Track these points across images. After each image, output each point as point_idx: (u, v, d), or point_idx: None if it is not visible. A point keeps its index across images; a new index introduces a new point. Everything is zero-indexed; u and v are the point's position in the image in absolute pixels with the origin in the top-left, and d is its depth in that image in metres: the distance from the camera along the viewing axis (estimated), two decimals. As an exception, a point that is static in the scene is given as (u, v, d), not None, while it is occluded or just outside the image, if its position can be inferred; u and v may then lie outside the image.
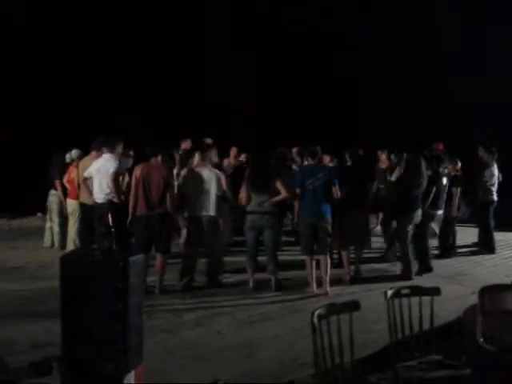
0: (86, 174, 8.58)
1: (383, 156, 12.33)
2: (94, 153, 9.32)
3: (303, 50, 19.66)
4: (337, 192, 7.99)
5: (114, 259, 4.20)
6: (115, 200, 8.18)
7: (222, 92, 19.38)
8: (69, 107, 17.25)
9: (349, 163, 9.21)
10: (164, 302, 7.57)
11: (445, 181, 9.46)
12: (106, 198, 8.29)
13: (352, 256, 8.82)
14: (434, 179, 9.24)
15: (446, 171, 9.71)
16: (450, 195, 9.96)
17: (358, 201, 8.55)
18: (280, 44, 19.40)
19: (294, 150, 11.31)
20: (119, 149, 8.60)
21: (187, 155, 9.40)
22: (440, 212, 9.56)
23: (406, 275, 8.78)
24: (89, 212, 9.12)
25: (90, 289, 4.07)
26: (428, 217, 9.28)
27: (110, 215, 5.18)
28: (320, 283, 8.04)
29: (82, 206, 9.64)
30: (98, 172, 8.34)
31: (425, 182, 8.96)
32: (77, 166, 9.95)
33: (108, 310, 4.05)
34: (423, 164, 8.94)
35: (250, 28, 19.28)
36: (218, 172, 8.36)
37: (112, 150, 8.45)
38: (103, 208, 8.14)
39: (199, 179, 8.08)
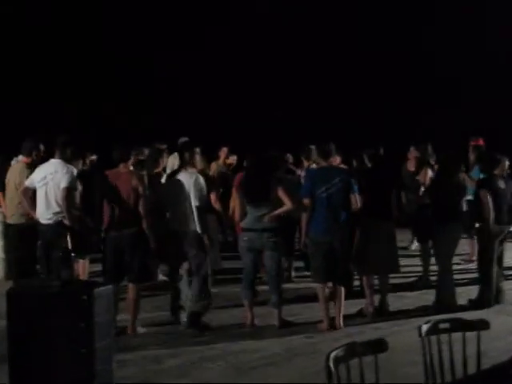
0: (27, 183, 8.36)
1: (414, 154, 12.34)
2: (24, 158, 9.19)
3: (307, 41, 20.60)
4: (357, 201, 7.97)
5: (76, 292, 4.21)
6: (65, 222, 8.09)
7: (208, 83, 20.06)
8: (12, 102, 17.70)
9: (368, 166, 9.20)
10: (139, 344, 7.55)
11: (502, 185, 9.17)
12: (54, 219, 8.13)
13: (376, 283, 8.82)
14: (487, 184, 9.14)
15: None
16: None
17: (381, 213, 8.54)
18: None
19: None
20: (70, 153, 8.42)
21: (155, 156, 9.39)
22: (506, 227, 9.20)
23: (442, 306, 8.76)
24: (21, 233, 8.98)
25: (45, 329, 4.06)
26: (490, 233, 9.02)
27: (68, 238, 5.20)
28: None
29: (10, 226, 9.37)
30: (45, 184, 8.14)
31: (463, 187, 8.95)
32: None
33: (69, 355, 4.06)
34: (460, 164, 8.92)
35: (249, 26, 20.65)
36: (199, 177, 8.25)
37: (62, 155, 8.28)
38: (51, 230, 8.08)
39: (176, 187, 8.08)
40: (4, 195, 10.34)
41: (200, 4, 20.88)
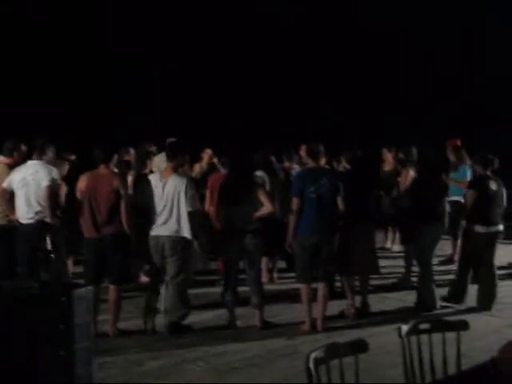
0: (5, 185, 8.36)
1: (389, 156, 12.47)
2: (3, 159, 9.15)
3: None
4: (342, 203, 8.05)
5: (55, 293, 4.17)
6: (47, 220, 8.09)
7: (193, 84, 20.28)
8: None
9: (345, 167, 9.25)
10: (119, 346, 7.52)
11: (494, 186, 9.11)
12: (36, 218, 8.17)
13: (357, 284, 8.83)
14: (477, 185, 9.15)
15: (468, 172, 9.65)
16: None
17: (361, 214, 8.57)
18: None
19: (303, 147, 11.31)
20: (50, 154, 8.44)
21: (143, 157, 9.32)
22: (495, 228, 9.15)
23: (423, 307, 8.80)
24: (2, 234, 8.90)
25: (23, 331, 4.03)
26: (476, 235, 9.04)
27: (48, 238, 5.18)
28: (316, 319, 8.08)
29: None
30: (25, 184, 8.18)
31: (444, 187, 8.95)
32: None
33: (47, 358, 4.02)
34: (439, 163, 8.93)
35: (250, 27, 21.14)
36: (190, 181, 8.11)
37: (40, 156, 8.30)
38: (32, 229, 8.09)
39: (156, 188, 7.95)
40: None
41: (200, 4, 21.03)
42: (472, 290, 9.72)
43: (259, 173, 9.62)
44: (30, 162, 8.34)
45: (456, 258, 11.45)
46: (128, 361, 7.06)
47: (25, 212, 8.19)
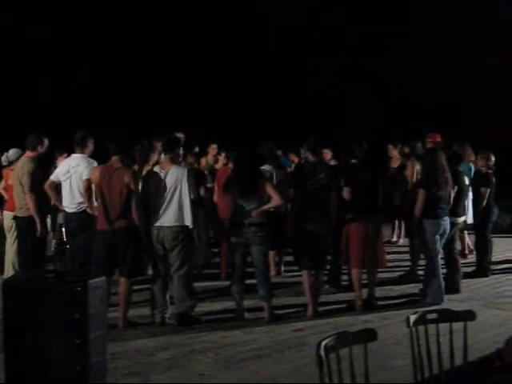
0: (52, 178, 8.89)
1: (394, 152, 12.51)
2: (28, 152, 9.31)
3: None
4: (335, 197, 8.48)
5: (70, 283, 4.24)
6: (89, 211, 8.53)
7: (199, 81, 20.48)
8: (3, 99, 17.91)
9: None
10: (129, 337, 7.60)
11: (467, 181, 9.55)
12: (78, 208, 8.72)
13: (365, 277, 8.89)
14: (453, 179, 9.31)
15: (471, 168, 9.86)
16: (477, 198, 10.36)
17: (369, 207, 8.65)
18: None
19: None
20: (91, 146, 8.91)
21: (145, 150, 9.36)
22: (462, 219, 9.76)
23: (429, 300, 8.86)
24: (29, 225, 9.07)
25: (40, 321, 4.09)
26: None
27: (63, 229, 5.25)
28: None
29: (18, 218, 9.48)
30: (69, 177, 8.73)
31: (449, 180, 9.01)
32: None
33: (63, 347, 4.09)
34: (443, 156, 8.99)
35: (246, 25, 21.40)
36: (189, 169, 8.21)
37: (82, 150, 8.78)
38: (76, 218, 8.65)
39: (161, 180, 7.99)
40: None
41: (200, 4, 21.19)
42: (474, 282, 9.91)
43: (266, 166, 9.69)
44: (73, 156, 8.88)
45: (466, 251, 11.74)
46: (137, 352, 7.12)
47: (69, 202, 8.76)
